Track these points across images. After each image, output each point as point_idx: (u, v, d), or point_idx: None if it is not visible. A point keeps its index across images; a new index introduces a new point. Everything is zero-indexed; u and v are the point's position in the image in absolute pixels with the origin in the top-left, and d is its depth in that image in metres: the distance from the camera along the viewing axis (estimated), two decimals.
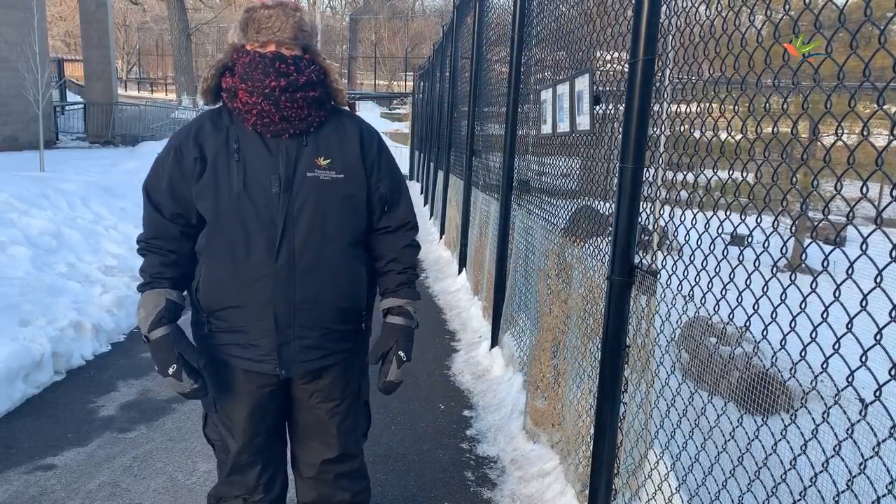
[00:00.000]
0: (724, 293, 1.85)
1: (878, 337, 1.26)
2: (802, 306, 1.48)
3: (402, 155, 20.26)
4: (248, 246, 1.95)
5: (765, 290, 1.64)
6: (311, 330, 2.03)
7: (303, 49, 1.99)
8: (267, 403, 2.12)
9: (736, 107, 1.78)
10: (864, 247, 1.29)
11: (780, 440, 1.60)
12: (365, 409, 2.31)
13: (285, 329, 2.00)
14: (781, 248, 1.65)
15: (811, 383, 1.44)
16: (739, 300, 1.77)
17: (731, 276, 1.81)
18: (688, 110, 2.05)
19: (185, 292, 2.09)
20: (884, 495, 1.26)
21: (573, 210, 3.19)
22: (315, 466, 2.24)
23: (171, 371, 1.96)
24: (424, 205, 13.10)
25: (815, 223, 1.52)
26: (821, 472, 1.44)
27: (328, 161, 1.99)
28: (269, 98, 1.90)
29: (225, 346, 2.05)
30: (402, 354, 2.12)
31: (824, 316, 1.39)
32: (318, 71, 2.00)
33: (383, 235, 2.15)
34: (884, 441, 1.25)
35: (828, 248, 1.49)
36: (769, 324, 1.61)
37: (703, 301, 1.96)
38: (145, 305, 1.98)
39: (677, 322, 2.17)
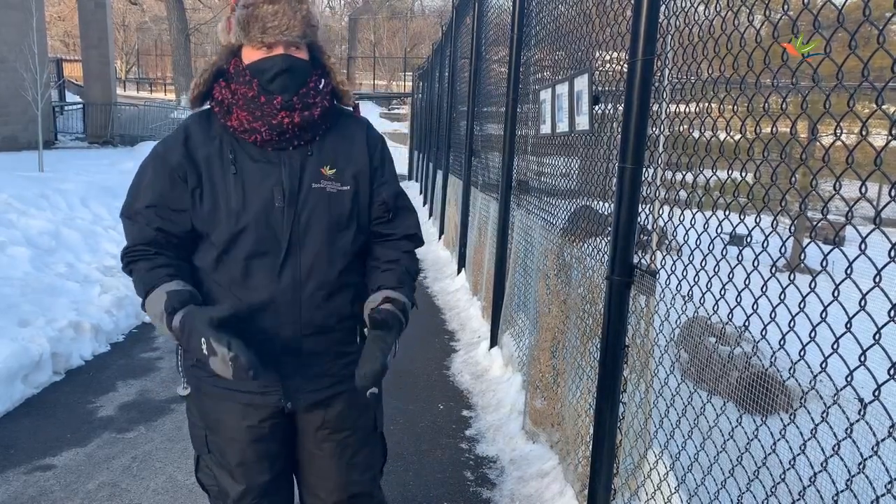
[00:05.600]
0: (723, 293, 1.85)
1: (876, 336, 1.26)
2: (801, 306, 1.48)
3: (401, 155, 20.27)
4: (249, 268, 1.75)
5: (764, 289, 1.64)
6: (319, 356, 1.83)
7: (308, 46, 1.79)
8: (269, 440, 1.88)
9: (735, 107, 1.78)
10: (862, 246, 1.29)
11: (779, 440, 1.60)
12: (380, 441, 2.07)
13: (290, 358, 1.80)
14: (780, 248, 1.65)
15: (810, 383, 1.44)
16: (738, 300, 1.77)
17: (730, 276, 1.81)
18: (687, 110, 2.05)
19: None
20: (882, 495, 1.27)
21: (572, 210, 3.19)
22: None
23: (203, 346, 1.60)
24: (424, 205, 13.09)
25: (814, 223, 1.52)
26: (820, 471, 1.44)
27: (333, 171, 1.81)
28: (276, 129, 1.73)
29: (219, 377, 1.70)
30: (397, 345, 1.79)
31: (823, 316, 1.39)
32: (327, 84, 1.82)
33: (387, 242, 1.93)
34: (883, 441, 1.25)
35: (827, 248, 1.49)
36: (768, 323, 1.62)
37: (702, 301, 1.96)
38: (151, 307, 1.70)
39: (676, 322, 2.17)
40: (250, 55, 1.75)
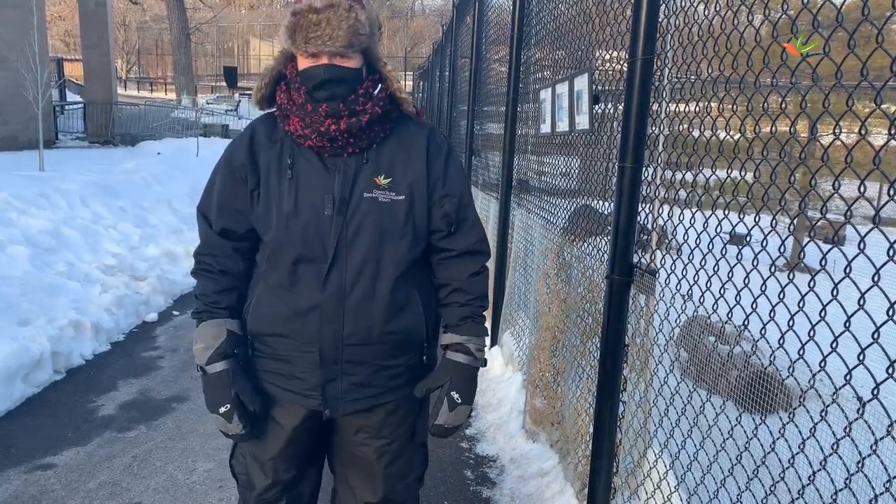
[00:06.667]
0: (722, 292, 1.85)
1: (875, 335, 1.26)
2: (801, 305, 1.48)
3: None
4: (295, 273, 1.77)
5: (763, 288, 1.64)
6: (360, 366, 1.82)
7: (362, 53, 1.76)
8: (303, 439, 1.93)
9: (734, 106, 1.79)
10: (861, 246, 1.29)
11: (778, 438, 1.60)
12: (421, 450, 2.06)
13: (331, 365, 1.80)
14: (780, 247, 1.65)
15: (809, 382, 1.44)
16: (738, 299, 1.77)
17: (730, 275, 1.81)
18: (686, 109, 2.05)
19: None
20: (881, 493, 1.27)
21: (572, 209, 3.19)
22: None
23: (221, 410, 1.80)
24: None
25: (814, 222, 1.53)
26: (819, 470, 1.45)
27: (389, 180, 1.78)
28: (325, 136, 1.72)
29: (266, 373, 1.87)
30: (456, 395, 1.85)
31: (822, 315, 1.39)
32: (382, 90, 1.77)
33: (446, 261, 1.90)
34: (881, 439, 1.25)
35: (826, 247, 1.49)
36: (767, 322, 1.62)
37: (701, 300, 1.97)
38: (203, 337, 1.82)
39: (676, 321, 2.17)
40: (300, 62, 1.75)
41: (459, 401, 1.86)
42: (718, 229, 1.87)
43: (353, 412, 1.87)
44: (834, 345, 1.35)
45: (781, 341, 1.58)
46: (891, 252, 1.20)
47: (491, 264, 5.11)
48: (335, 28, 1.67)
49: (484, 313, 1.95)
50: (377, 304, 1.78)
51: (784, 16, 1.54)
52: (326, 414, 1.85)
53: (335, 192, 1.75)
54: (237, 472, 2.03)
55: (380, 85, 1.78)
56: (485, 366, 1.94)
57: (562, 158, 3.45)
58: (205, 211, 1.89)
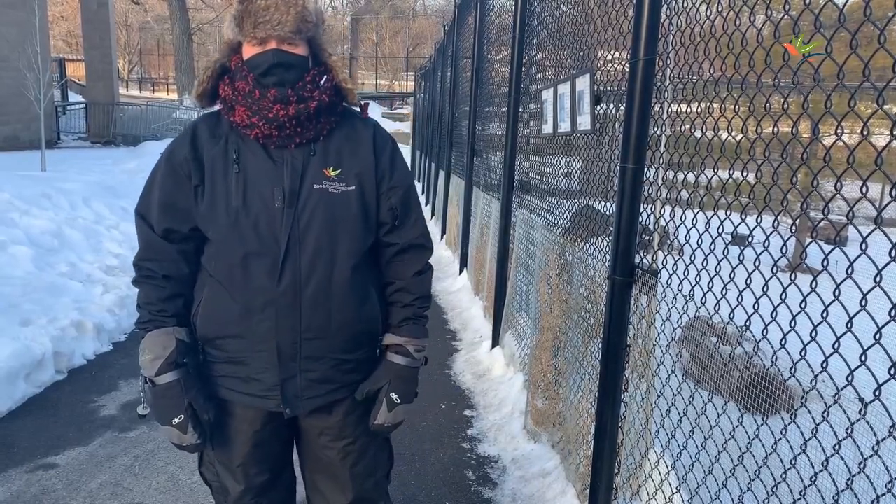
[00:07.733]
0: (724, 293, 1.85)
1: (877, 336, 1.26)
2: (802, 306, 1.48)
3: (403, 155, 20.24)
4: (247, 268, 1.74)
5: (765, 289, 1.64)
6: (318, 361, 1.81)
7: (308, 42, 1.77)
8: (270, 441, 1.92)
9: (736, 106, 1.79)
10: (863, 246, 1.29)
11: (780, 439, 1.60)
12: (385, 447, 2.06)
13: (289, 362, 1.79)
14: (782, 248, 1.65)
15: (811, 383, 1.44)
16: (740, 300, 1.77)
17: (732, 276, 1.81)
18: (688, 110, 2.05)
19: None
20: (883, 494, 1.27)
21: (574, 210, 3.19)
22: None
23: (175, 422, 1.75)
24: (426, 204, 13.10)
25: (816, 223, 1.52)
26: (821, 471, 1.44)
27: (337, 171, 1.79)
28: (273, 123, 1.71)
29: (222, 378, 1.84)
30: (395, 396, 1.88)
31: (824, 315, 1.39)
32: (328, 80, 1.79)
33: (392, 257, 1.92)
34: (883, 440, 1.25)
35: (828, 248, 1.49)
36: (769, 323, 1.62)
37: (703, 301, 1.97)
38: (151, 347, 1.76)
39: (678, 322, 2.17)
40: (247, 51, 1.75)
41: (398, 401, 1.89)
42: (720, 230, 1.87)
43: (313, 410, 1.86)
44: (836, 345, 1.35)
45: (783, 342, 1.58)
46: (893, 253, 1.20)
47: (492, 264, 5.11)
48: (283, 13, 1.69)
49: (426, 313, 1.97)
50: (334, 294, 1.78)
51: (786, 16, 1.53)
52: (287, 413, 1.83)
53: (285, 185, 1.74)
54: (209, 479, 2.02)
55: (325, 75, 1.80)
56: (425, 364, 1.97)
57: (563, 159, 3.45)
58: (144, 213, 1.83)
